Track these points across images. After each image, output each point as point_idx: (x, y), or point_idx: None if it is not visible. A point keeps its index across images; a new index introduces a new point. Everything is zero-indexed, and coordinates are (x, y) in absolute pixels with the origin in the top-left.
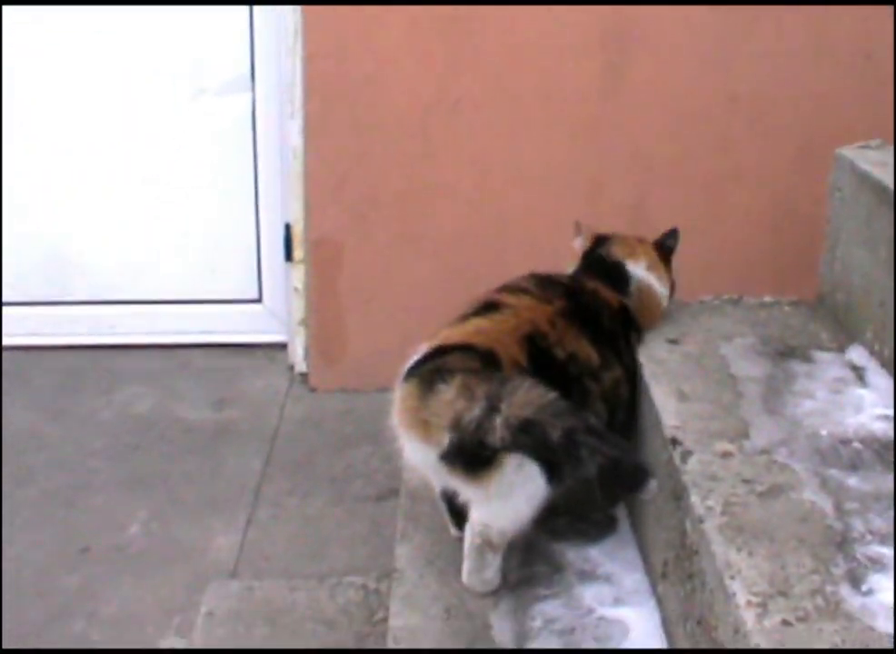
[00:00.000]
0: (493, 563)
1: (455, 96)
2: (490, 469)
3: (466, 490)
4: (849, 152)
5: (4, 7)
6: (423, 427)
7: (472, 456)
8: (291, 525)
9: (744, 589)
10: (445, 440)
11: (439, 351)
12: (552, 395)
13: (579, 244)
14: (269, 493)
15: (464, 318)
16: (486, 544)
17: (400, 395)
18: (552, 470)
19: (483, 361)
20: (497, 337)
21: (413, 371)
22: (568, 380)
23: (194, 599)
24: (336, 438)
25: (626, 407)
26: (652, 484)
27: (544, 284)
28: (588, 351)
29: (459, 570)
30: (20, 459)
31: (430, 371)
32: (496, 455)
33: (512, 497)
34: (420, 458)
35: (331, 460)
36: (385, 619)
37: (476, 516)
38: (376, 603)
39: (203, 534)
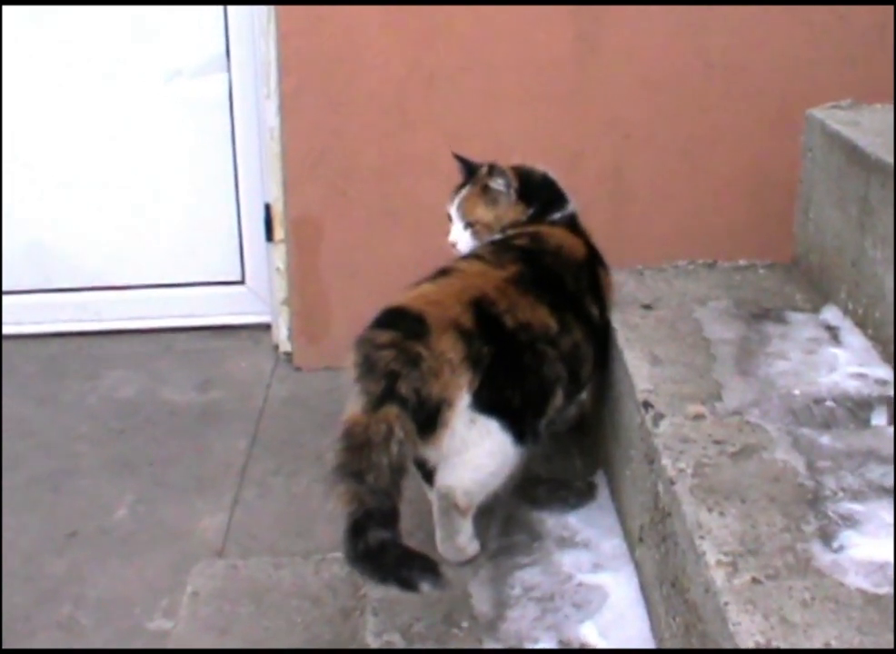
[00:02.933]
0: (464, 529)
1: (429, 69)
2: (438, 429)
3: (422, 452)
4: (819, 112)
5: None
6: None
7: (418, 419)
8: (277, 504)
9: (714, 549)
10: None
11: (381, 318)
12: (351, 508)
13: (502, 186)
14: (255, 473)
15: (418, 283)
16: (452, 507)
17: (351, 361)
18: (517, 426)
19: (410, 326)
20: (437, 299)
21: (357, 340)
22: (519, 345)
23: (181, 581)
24: (321, 416)
25: (593, 362)
26: (424, 587)
27: (500, 250)
28: (546, 320)
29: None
30: (7, 445)
31: (363, 351)
32: (441, 415)
33: (466, 453)
34: None
35: (316, 439)
36: None
37: (439, 478)
38: (361, 579)
39: (189, 515)
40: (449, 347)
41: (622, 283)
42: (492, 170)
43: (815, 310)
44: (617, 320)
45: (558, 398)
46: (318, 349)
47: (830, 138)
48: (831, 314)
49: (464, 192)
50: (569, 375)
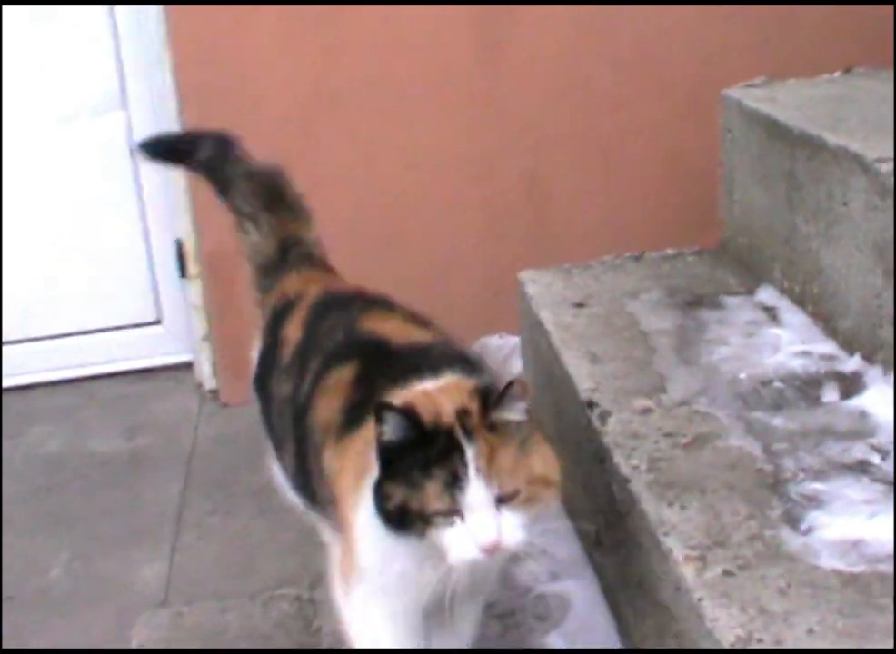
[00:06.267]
0: None
1: (334, 87)
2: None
3: None
4: (735, 92)
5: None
6: None
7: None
8: (217, 545)
9: (680, 545)
10: None
11: None
12: None
13: None
14: (191, 516)
15: None
16: None
17: None
18: None
19: None
20: None
21: None
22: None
23: (126, 635)
24: (253, 451)
25: None
26: None
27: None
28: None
29: None
30: None
31: None
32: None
33: None
34: None
35: (250, 475)
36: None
37: None
38: (312, 612)
39: (128, 567)
40: None
41: (550, 284)
42: None
43: (750, 292)
44: (549, 321)
45: None
46: (244, 383)
47: (748, 116)
48: (766, 295)
49: None
50: None
